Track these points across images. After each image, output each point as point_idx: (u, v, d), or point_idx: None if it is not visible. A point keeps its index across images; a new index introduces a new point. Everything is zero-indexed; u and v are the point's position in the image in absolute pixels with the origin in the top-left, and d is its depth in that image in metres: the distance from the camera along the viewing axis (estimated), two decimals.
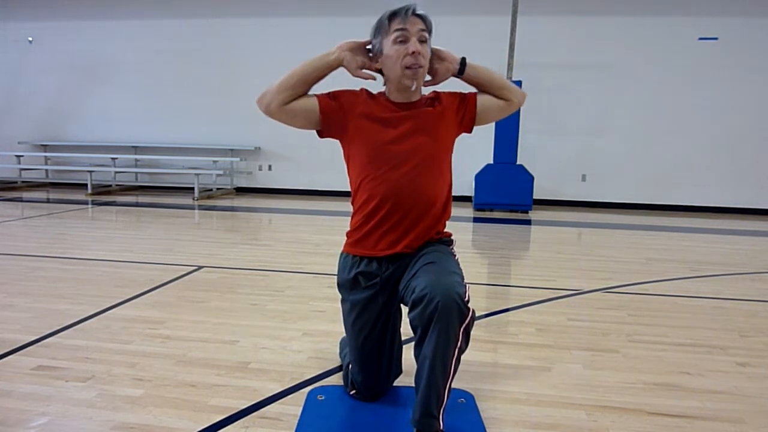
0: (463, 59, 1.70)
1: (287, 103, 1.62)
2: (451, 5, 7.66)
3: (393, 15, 1.59)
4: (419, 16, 1.59)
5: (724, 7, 7.32)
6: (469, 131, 1.77)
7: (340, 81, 1.73)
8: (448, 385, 1.43)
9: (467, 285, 1.45)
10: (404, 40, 1.58)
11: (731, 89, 7.42)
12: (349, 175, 1.73)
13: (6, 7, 8.85)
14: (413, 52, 1.56)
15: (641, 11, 7.46)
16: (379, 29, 1.63)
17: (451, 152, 1.73)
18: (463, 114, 1.72)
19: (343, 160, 1.74)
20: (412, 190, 1.62)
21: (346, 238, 1.76)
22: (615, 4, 7.52)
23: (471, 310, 1.40)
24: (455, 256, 1.68)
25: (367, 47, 1.68)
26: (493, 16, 7.48)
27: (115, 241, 4.43)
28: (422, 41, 1.59)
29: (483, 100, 1.74)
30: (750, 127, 7.46)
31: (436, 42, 1.69)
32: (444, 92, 1.74)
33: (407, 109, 1.67)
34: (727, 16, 7.32)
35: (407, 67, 1.58)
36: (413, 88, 1.63)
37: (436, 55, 1.70)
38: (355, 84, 1.67)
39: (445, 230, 1.75)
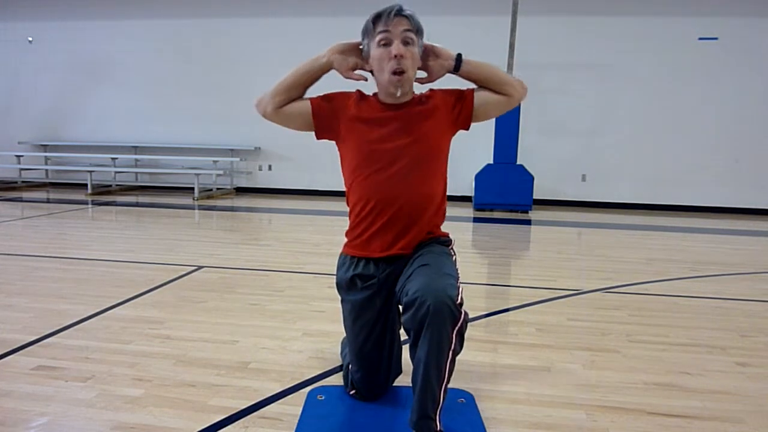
0: (459, 55, 1.66)
1: (282, 106, 1.67)
2: (450, 5, 7.66)
3: (377, 17, 1.58)
4: (404, 17, 1.57)
5: (724, 7, 7.31)
6: (466, 128, 1.73)
7: (335, 83, 1.74)
8: (443, 387, 1.42)
9: (461, 286, 1.44)
10: (387, 43, 1.56)
11: (731, 89, 7.42)
12: (342, 175, 1.74)
13: (6, 7, 8.84)
14: (396, 56, 1.54)
15: (641, 11, 7.46)
16: (366, 31, 1.62)
17: (446, 152, 1.70)
18: (459, 112, 1.68)
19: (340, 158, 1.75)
20: (400, 191, 1.61)
21: (345, 238, 1.76)
22: (615, 4, 7.52)
23: (463, 313, 1.39)
24: (453, 255, 1.67)
25: (360, 47, 1.67)
26: (492, 16, 7.47)
27: (115, 241, 4.43)
28: (407, 43, 1.57)
29: (481, 96, 1.68)
30: (750, 127, 7.45)
31: (437, 41, 1.68)
32: (440, 90, 1.71)
33: (396, 110, 1.65)
34: (727, 16, 7.32)
35: (393, 73, 1.56)
36: (398, 94, 1.61)
37: (431, 52, 1.67)
38: (347, 86, 1.68)
39: (442, 230, 1.73)
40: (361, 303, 1.68)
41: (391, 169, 1.60)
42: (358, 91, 1.72)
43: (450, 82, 1.68)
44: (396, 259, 1.65)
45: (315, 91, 1.72)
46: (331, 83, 1.72)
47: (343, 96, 1.70)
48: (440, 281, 1.41)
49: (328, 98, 1.70)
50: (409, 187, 1.62)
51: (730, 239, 5.45)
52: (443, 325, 1.36)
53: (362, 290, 1.68)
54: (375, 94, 1.71)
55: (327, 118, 1.68)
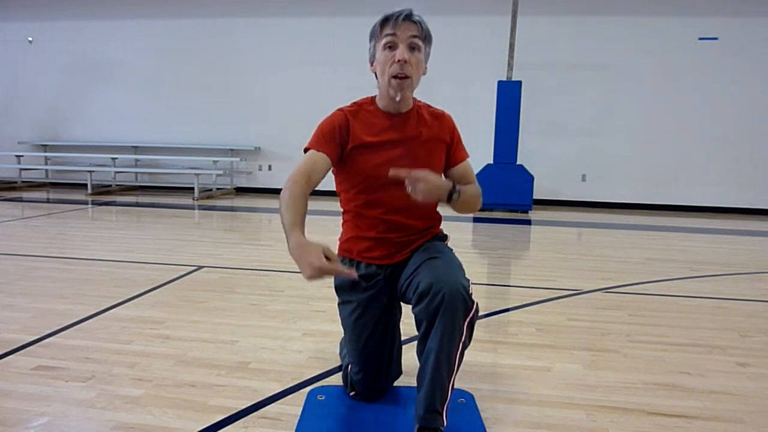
0: (453, 192, 1.53)
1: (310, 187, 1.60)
2: (451, 5, 7.66)
3: (385, 20, 1.56)
4: (413, 22, 1.54)
5: (724, 7, 7.32)
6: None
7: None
8: (452, 381, 1.43)
9: (470, 278, 1.46)
10: (393, 47, 1.54)
11: (731, 89, 7.42)
12: (338, 188, 1.73)
13: (6, 7, 8.85)
14: (399, 60, 1.52)
15: (641, 11, 7.46)
16: (373, 33, 1.60)
17: (443, 167, 1.72)
18: (447, 156, 1.71)
19: (332, 171, 1.69)
20: (402, 210, 1.63)
21: (338, 242, 1.76)
22: (615, 4, 7.52)
23: (475, 303, 1.41)
24: (452, 250, 1.68)
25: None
26: (492, 15, 7.47)
27: (115, 241, 4.43)
28: (413, 48, 1.55)
29: (460, 171, 1.71)
30: (750, 127, 7.46)
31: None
32: (450, 121, 1.72)
33: (398, 123, 1.64)
34: (727, 16, 7.32)
35: (393, 77, 1.54)
36: (398, 99, 1.59)
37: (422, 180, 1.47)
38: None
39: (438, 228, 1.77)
40: (366, 301, 1.67)
41: (394, 192, 1.60)
42: (344, 111, 1.64)
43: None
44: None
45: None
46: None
47: (336, 126, 1.60)
48: (453, 272, 1.43)
49: (331, 137, 1.60)
50: (410, 207, 1.62)
51: (730, 239, 5.45)
52: (456, 315, 1.37)
53: (366, 290, 1.67)
54: (373, 100, 1.68)
55: (339, 153, 1.62)
